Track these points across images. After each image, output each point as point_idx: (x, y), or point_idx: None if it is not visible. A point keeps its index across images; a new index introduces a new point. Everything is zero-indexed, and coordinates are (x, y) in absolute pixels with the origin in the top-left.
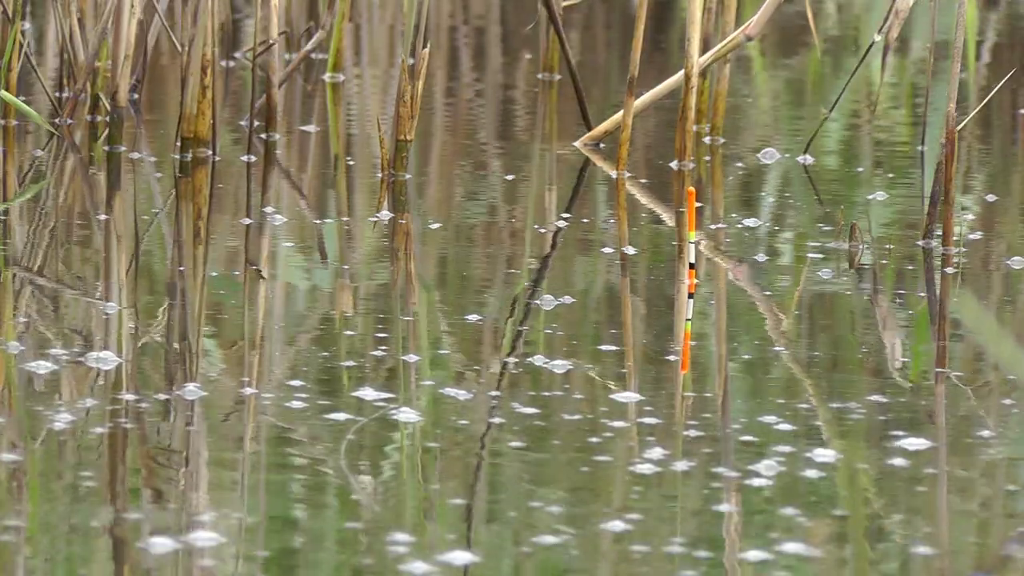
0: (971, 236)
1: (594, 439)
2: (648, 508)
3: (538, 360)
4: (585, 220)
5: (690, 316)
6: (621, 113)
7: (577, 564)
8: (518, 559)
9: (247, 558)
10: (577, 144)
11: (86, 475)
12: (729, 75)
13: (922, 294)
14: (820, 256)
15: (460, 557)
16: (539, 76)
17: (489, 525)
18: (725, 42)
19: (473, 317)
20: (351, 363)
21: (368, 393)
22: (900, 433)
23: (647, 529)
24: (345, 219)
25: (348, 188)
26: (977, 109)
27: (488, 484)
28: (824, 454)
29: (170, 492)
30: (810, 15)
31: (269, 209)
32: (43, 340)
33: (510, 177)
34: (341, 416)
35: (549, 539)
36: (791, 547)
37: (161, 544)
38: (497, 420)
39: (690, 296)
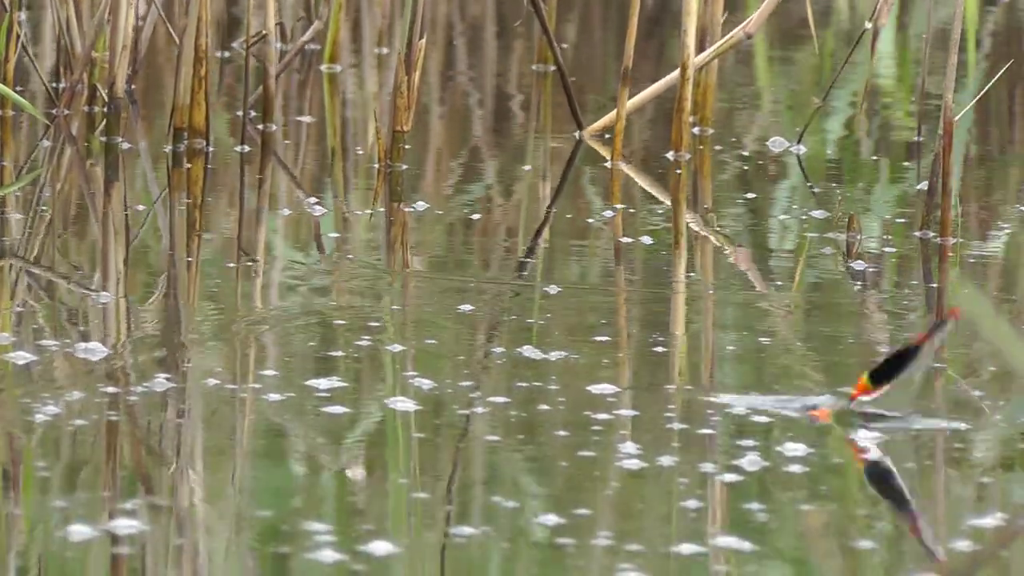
0: None
1: (564, 432)
2: (596, 503)
3: (526, 351)
4: (578, 210)
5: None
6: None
7: (498, 557)
8: (439, 550)
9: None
10: (584, 134)
11: (62, 466)
12: (727, 67)
13: (933, 284)
14: (817, 246)
15: (380, 547)
16: (533, 67)
17: (417, 517)
18: (724, 40)
19: (465, 307)
20: (336, 353)
21: (348, 383)
22: (878, 429)
23: (580, 524)
24: (341, 209)
25: (344, 178)
26: (975, 100)
27: (443, 475)
28: (801, 448)
29: (112, 482)
30: (809, 10)
31: (312, 200)
32: (33, 330)
33: (505, 167)
34: (322, 407)
35: (468, 530)
36: (753, 543)
37: (80, 532)
38: (474, 411)
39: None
